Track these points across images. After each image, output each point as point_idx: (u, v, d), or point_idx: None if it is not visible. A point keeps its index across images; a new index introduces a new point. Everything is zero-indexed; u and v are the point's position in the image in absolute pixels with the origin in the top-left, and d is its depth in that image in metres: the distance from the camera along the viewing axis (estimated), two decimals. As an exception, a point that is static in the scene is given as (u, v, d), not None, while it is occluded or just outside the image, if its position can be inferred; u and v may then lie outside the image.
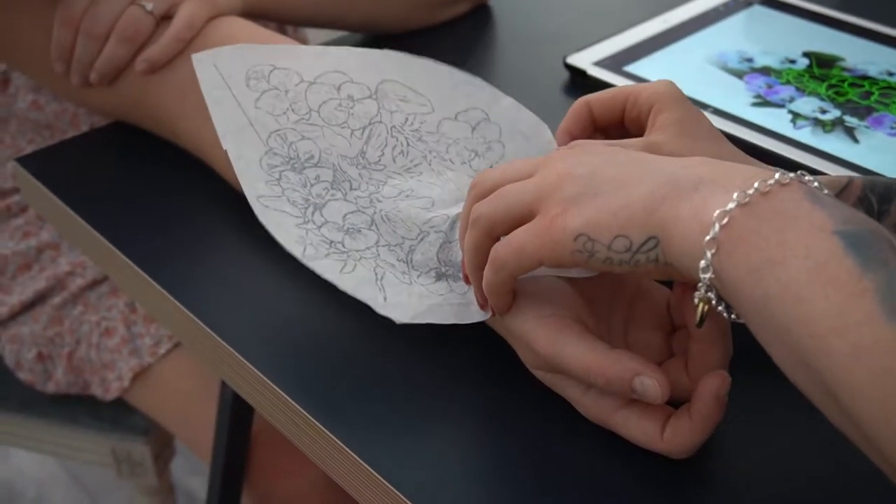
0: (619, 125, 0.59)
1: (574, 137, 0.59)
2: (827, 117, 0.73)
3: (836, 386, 0.36)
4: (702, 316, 0.43)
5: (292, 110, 0.61)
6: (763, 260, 0.39)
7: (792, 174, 0.41)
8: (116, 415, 1.03)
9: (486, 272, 0.48)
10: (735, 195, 0.40)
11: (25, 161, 0.74)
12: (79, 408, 1.03)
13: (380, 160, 0.60)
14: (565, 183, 0.45)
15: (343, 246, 0.57)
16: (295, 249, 0.56)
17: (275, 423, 0.57)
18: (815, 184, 0.41)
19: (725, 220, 0.40)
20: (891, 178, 0.53)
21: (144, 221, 0.67)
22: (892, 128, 0.71)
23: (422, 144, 0.61)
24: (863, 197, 0.53)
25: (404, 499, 0.48)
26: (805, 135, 0.71)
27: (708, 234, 0.40)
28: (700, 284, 0.41)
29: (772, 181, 0.40)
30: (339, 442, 0.51)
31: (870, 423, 0.35)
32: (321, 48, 0.65)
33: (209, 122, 0.68)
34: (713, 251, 0.40)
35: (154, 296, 0.62)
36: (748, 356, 0.45)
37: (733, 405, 0.48)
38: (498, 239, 0.48)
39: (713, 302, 0.42)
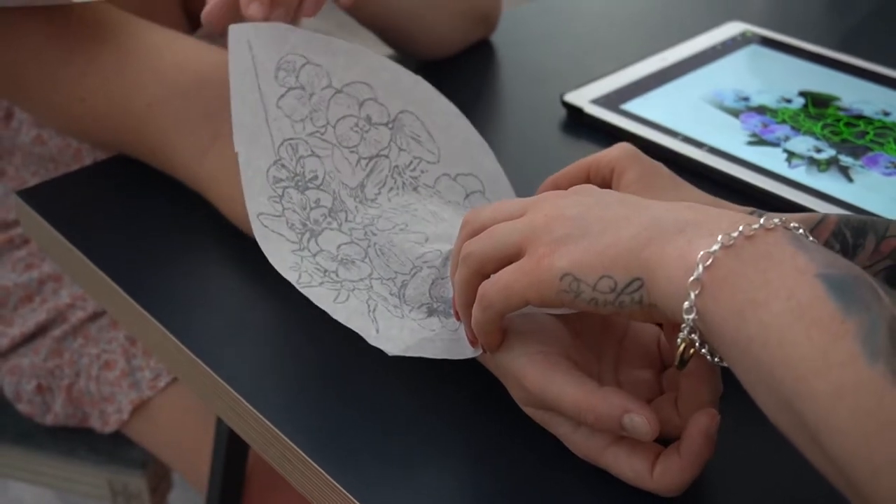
0: None
1: None
2: (822, 156, 0.73)
3: (817, 427, 0.36)
4: (683, 358, 0.43)
5: (310, 119, 0.61)
6: (746, 301, 0.39)
7: (777, 220, 0.41)
8: (114, 447, 1.03)
9: (475, 310, 0.49)
10: (719, 237, 0.41)
11: (26, 194, 0.74)
12: (76, 440, 1.03)
13: (376, 198, 0.61)
14: (553, 224, 0.46)
15: (337, 276, 0.58)
16: (290, 275, 0.57)
17: (268, 459, 0.57)
18: (800, 230, 0.42)
19: (709, 261, 0.40)
20: (865, 216, 0.54)
21: (143, 256, 0.67)
22: (886, 167, 0.72)
23: (415, 195, 0.62)
24: (837, 231, 0.54)
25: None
26: (800, 174, 0.71)
27: (692, 275, 0.40)
28: (683, 326, 0.41)
29: (756, 226, 0.41)
30: (330, 479, 0.51)
31: (850, 463, 0.35)
32: (358, 48, 0.63)
33: (207, 156, 0.68)
34: (697, 292, 0.40)
35: (151, 331, 0.63)
36: (738, 394, 0.45)
37: (723, 442, 0.48)
38: (488, 277, 0.49)
39: (696, 344, 0.42)
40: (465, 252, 0.49)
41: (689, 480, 0.47)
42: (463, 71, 0.90)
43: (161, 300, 0.63)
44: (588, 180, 0.60)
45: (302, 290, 0.56)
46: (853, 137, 0.75)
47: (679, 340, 0.42)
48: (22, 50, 0.74)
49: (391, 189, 0.62)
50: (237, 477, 0.89)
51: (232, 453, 0.86)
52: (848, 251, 0.53)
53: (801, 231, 0.42)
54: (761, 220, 0.41)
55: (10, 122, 0.95)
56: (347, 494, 0.50)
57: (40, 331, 0.99)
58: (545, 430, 0.51)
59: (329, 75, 0.62)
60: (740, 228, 0.41)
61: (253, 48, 0.61)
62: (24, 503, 1.64)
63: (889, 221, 0.51)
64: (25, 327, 0.99)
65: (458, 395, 0.56)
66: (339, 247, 0.59)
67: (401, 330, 0.55)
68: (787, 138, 0.76)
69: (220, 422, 0.85)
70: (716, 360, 0.44)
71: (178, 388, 0.97)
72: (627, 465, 0.48)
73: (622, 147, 0.59)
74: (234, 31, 0.60)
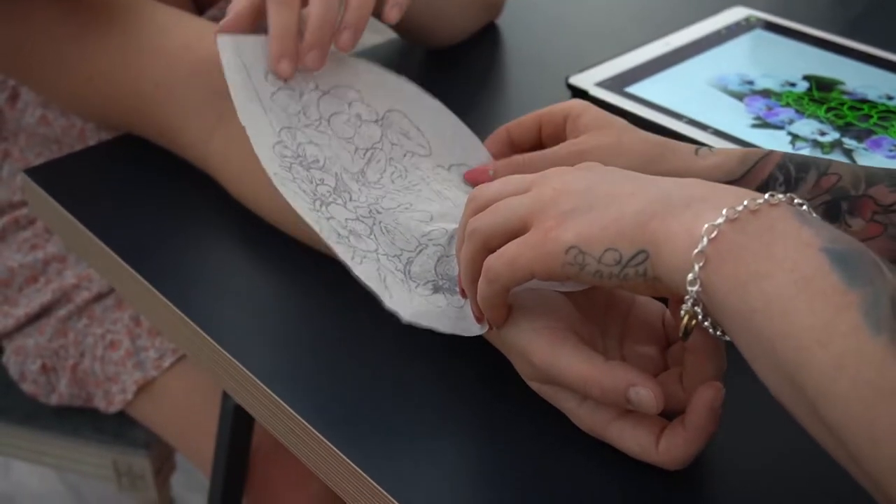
0: (537, 145, 0.65)
1: (494, 157, 0.66)
2: (826, 139, 0.74)
3: (818, 398, 0.37)
4: (686, 329, 0.43)
5: (304, 114, 0.62)
6: (750, 273, 0.39)
7: (782, 196, 0.42)
8: (118, 428, 1.03)
9: (480, 284, 0.49)
10: (724, 211, 0.41)
11: (33, 172, 0.75)
12: (81, 420, 1.04)
13: (379, 181, 0.61)
14: (560, 198, 0.46)
15: (349, 241, 0.59)
16: (313, 225, 0.57)
17: (274, 433, 0.57)
18: (804, 206, 0.42)
19: (714, 233, 0.41)
20: (810, 155, 0.56)
21: (150, 233, 0.68)
22: (890, 150, 0.72)
23: (419, 173, 0.62)
24: (782, 165, 0.55)
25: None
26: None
27: (696, 247, 0.41)
28: (687, 298, 0.42)
29: (761, 200, 0.41)
30: (335, 450, 0.51)
31: (850, 434, 0.36)
32: (339, 54, 0.65)
33: (214, 136, 0.69)
34: (701, 264, 0.41)
35: (159, 307, 0.63)
36: (742, 368, 0.46)
37: (728, 416, 0.48)
38: (493, 252, 0.49)
39: (699, 317, 0.43)
40: (471, 227, 0.50)
41: (694, 453, 0.47)
42: (468, 55, 0.90)
43: (168, 276, 0.64)
44: (538, 132, 0.63)
45: (325, 240, 0.57)
46: (857, 121, 0.76)
47: (682, 312, 0.43)
48: (31, 28, 0.74)
49: (393, 173, 0.62)
50: (242, 455, 0.90)
51: (237, 431, 0.87)
52: (791, 184, 0.54)
53: (804, 207, 0.42)
54: (766, 196, 0.41)
55: (15, 102, 0.95)
56: (353, 465, 0.50)
57: (45, 311, 1.00)
58: (550, 405, 0.52)
59: (315, 79, 0.64)
60: (745, 203, 0.41)
61: (241, 55, 0.62)
62: (27, 486, 1.64)
63: (831, 160, 0.52)
64: (30, 308, 0.99)
65: (465, 370, 0.56)
66: (346, 220, 0.59)
67: (411, 300, 0.56)
68: (791, 121, 0.76)
69: (225, 399, 0.85)
70: (718, 333, 0.44)
71: (183, 369, 0.98)
72: (632, 439, 0.48)
73: (576, 100, 0.63)
74: (222, 41, 0.62)
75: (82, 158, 0.77)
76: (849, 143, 0.73)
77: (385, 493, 0.49)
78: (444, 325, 0.55)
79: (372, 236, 0.59)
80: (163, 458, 1.07)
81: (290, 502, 0.95)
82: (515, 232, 0.48)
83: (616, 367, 0.47)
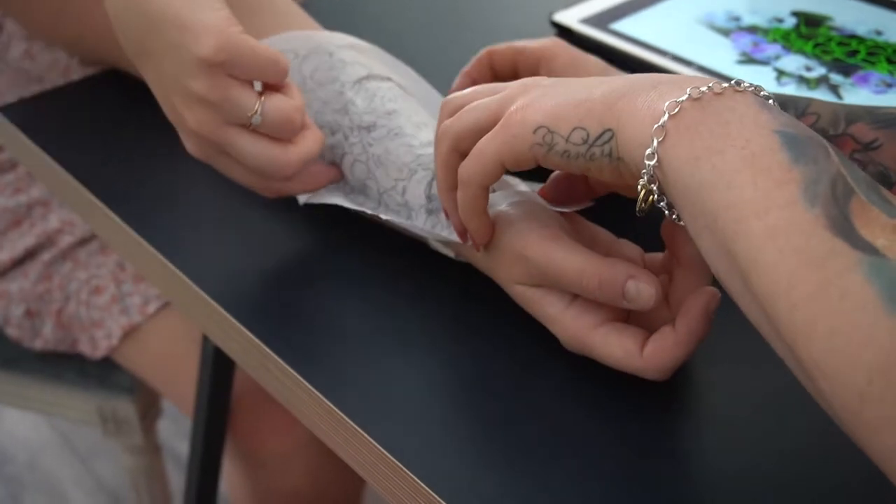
0: (514, 77, 0.64)
1: (474, 81, 0.64)
2: (812, 75, 0.72)
3: (748, 267, 0.37)
4: (641, 205, 0.44)
5: None
6: (703, 148, 0.40)
7: (748, 84, 0.42)
8: (102, 372, 1.03)
9: (458, 193, 0.49)
10: (688, 90, 0.42)
11: (8, 110, 0.73)
12: (65, 365, 1.03)
13: (369, 106, 0.60)
14: (529, 89, 0.47)
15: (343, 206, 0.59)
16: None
17: (249, 371, 0.57)
18: (771, 100, 0.43)
19: (676, 110, 0.41)
20: (789, 95, 0.55)
21: (127, 172, 0.67)
22: (877, 85, 0.71)
23: (407, 102, 0.62)
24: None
25: (374, 443, 0.48)
26: (789, 91, 0.71)
27: (658, 122, 0.41)
28: (644, 172, 0.42)
29: (726, 85, 0.42)
30: (305, 383, 0.51)
31: (771, 299, 0.37)
32: (307, 33, 0.65)
33: None
34: (660, 139, 0.41)
35: (136, 248, 0.62)
36: (730, 304, 0.45)
37: (714, 350, 0.48)
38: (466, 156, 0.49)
39: (654, 196, 0.43)
40: (442, 130, 0.50)
41: (680, 360, 0.47)
42: (452, -8, 0.88)
43: (146, 217, 0.63)
44: (516, 66, 0.62)
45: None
46: (844, 56, 0.74)
47: (639, 187, 0.43)
48: None
49: (383, 97, 0.61)
50: (223, 398, 0.89)
51: (217, 374, 0.86)
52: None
53: (771, 101, 0.43)
54: (731, 82, 0.42)
55: (-2, 37, 0.94)
56: (325, 400, 0.50)
57: (29, 255, 0.99)
58: (528, 331, 0.51)
59: (294, 51, 0.63)
60: (710, 85, 0.42)
61: None
62: (18, 435, 1.65)
63: (811, 99, 0.51)
64: (14, 252, 0.98)
65: (445, 307, 0.55)
66: (344, 175, 0.60)
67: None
68: (777, 57, 0.75)
69: (205, 341, 0.85)
70: (674, 217, 0.44)
71: (168, 314, 0.97)
72: (618, 344, 0.48)
73: (550, 38, 0.62)
74: None
75: (61, 96, 0.76)
76: (835, 78, 0.72)
77: (357, 427, 0.48)
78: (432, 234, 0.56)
79: (371, 176, 0.58)
80: (148, 403, 1.06)
81: (274, 447, 0.96)
82: (487, 130, 0.48)
83: (615, 261, 0.48)
